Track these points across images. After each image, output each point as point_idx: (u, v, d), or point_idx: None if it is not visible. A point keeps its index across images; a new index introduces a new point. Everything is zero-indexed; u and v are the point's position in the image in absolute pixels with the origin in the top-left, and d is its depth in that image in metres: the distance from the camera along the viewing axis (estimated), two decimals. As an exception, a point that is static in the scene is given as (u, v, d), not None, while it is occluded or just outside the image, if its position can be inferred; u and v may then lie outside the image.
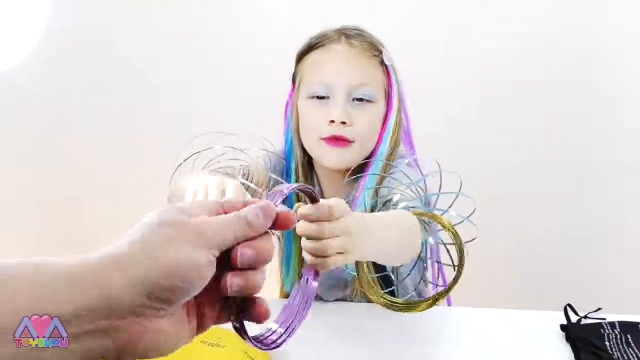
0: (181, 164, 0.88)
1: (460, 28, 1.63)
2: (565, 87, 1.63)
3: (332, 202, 0.57)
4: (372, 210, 0.87)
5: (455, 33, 1.64)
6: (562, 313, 0.95)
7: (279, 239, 1.00)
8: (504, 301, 1.07)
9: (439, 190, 0.84)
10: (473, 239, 0.78)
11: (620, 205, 1.68)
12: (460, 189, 0.81)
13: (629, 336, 0.88)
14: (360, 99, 0.92)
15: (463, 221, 0.76)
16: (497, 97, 1.66)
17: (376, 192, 0.92)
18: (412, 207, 0.80)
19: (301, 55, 0.97)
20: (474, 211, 0.76)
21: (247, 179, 0.90)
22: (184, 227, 0.36)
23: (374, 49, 0.95)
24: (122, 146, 1.76)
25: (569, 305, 0.96)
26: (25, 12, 0.73)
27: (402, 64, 1.01)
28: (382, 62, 0.96)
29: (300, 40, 0.99)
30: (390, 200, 0.83)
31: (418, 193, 0.85)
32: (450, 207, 0.80)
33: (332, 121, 0.89)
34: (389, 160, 0.94)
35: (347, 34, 0.94)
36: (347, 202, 0.64)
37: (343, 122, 0.90)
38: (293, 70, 1.01)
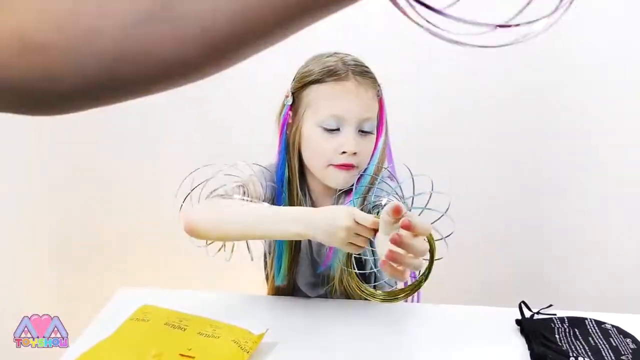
0: (189, 193, 0.95)
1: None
2: (539, 89, 1.61)
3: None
4: None
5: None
6: (518, 309, 1.00)
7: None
8: (467, 298, 1.12)
9: (413, 193, 0.92)
10: (451, 234, 0.86)
11: (573, 209, 1.70)
12: (432, 189, 0.88)
13: (576, 330, 0.94)
14: (365, 131, 0.99)
15: (441, 217, 0.84)
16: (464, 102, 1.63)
17: (363, 200, 0.99)
18: None
19: (309, 83, 1.00)
20: (449, 206, 0.83)
21: (245, 195, 0.97)
22: None
23: (375, 84, 1.01)
24: (130, 150, 1.76)
25: (524, 302, 1.00)
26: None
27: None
28: (377, 95, 1.02)
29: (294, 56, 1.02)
30: (379, 204, 0.91)
31: (401, 198, 0.93)
32: (426, 205, 0.88)
33: (344, 152, 0.96)
34: (376, 174, 1.02)
35: (354, 70, 0.98)
36: None
37: (354, 153, 0.97)
38: (292, 90, 1.03)
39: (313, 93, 1.00)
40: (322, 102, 0.98)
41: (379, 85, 1.03)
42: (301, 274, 1.09)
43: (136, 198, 1.79)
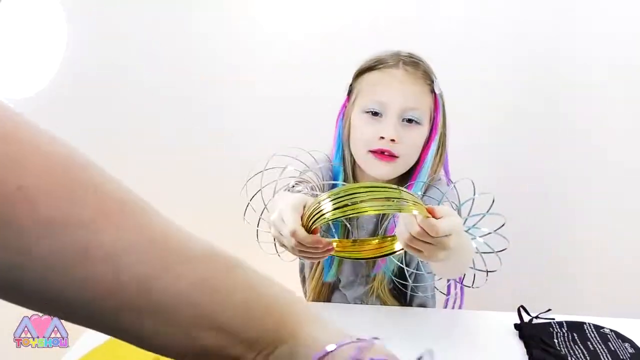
0: (245, 184, 0.93)
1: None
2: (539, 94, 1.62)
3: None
4: None
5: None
6: (516, 313, 0.99)
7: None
8: (465, 302, 1.12)
9: (471, 208, 0.91)
10: (504, 249, 0.86)
11: (572, 213, 1.70)
12: (492, 205, 0.88)
13: (575, 334, 0.94)
14: (409, 120, 0.97)
15: (490, 233, 0.83)
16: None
17: None
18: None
19: (360, 73, 1.02)
20: (502, 225, 0.83)
21: (307, 187, 0.95)
22: None
23: (427, 77, 1.00)
24: (132, 160, 1.74)
25: (522, 306, 1.00)
26: (44, 44, 0.77)
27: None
28: (432, 90, 1.01)
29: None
30: None
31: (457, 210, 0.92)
32: (479, 220, 0.88)
33: (383, 137, 0.95)
34: (429, 181, 1.01)
35: (405, 61, 0.99)
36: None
37: (392, 140, 0.95)
38: (350, 83, 1.05)
39: (364, 81, 1.01)
40: (369, 87, 0.99)
41: (431, 82, 1.01)
42: (344, 272, 1.08)
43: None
